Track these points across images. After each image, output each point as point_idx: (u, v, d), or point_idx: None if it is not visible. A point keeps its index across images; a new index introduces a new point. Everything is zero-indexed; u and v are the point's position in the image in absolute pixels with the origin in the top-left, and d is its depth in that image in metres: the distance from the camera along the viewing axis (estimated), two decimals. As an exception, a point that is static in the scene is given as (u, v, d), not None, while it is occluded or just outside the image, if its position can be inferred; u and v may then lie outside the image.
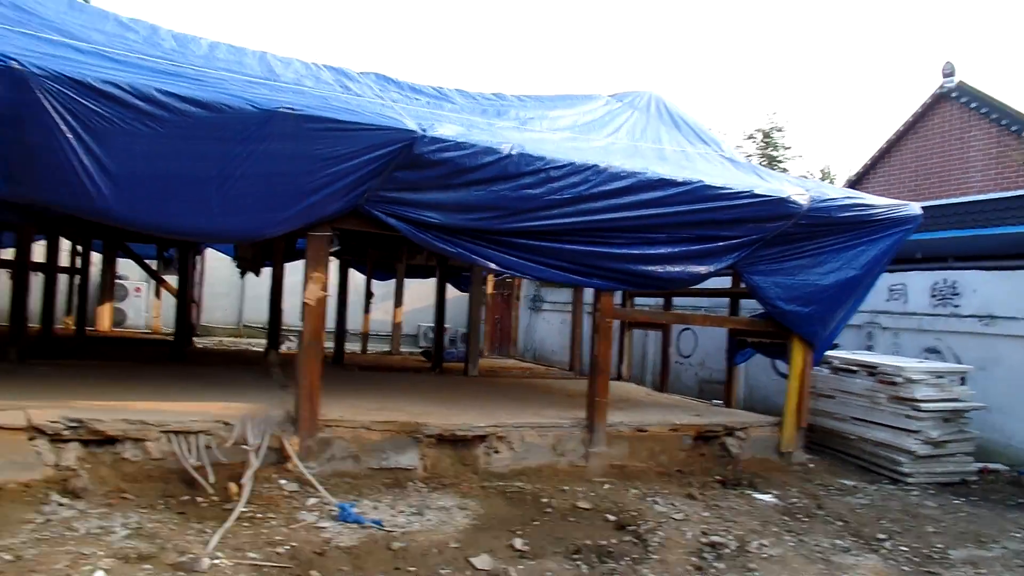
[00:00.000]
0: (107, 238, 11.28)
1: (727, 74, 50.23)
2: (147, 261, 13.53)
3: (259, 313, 18.94)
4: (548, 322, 16.67)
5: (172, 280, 14.99)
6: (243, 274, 12.13)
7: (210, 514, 4.63)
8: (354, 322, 18.05)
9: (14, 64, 3.96)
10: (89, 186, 4.30)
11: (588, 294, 12.05)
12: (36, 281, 8.98)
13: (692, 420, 7.00)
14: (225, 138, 4.49)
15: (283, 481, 5.20)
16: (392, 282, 13.38)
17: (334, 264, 12.75)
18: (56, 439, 4.83)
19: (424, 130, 4.95)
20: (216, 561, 3.87)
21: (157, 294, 14.52)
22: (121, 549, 3.93)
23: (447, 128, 5.15)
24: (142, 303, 16.00)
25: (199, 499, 4.84)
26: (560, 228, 5.71)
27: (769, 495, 6.20)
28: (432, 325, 19.31)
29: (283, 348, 9.17)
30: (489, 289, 14.61)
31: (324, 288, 5.34)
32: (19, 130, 4.11)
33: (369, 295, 12.61)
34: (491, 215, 5.44)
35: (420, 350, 16.60)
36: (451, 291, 19.83)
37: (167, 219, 4.58)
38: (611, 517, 5.33)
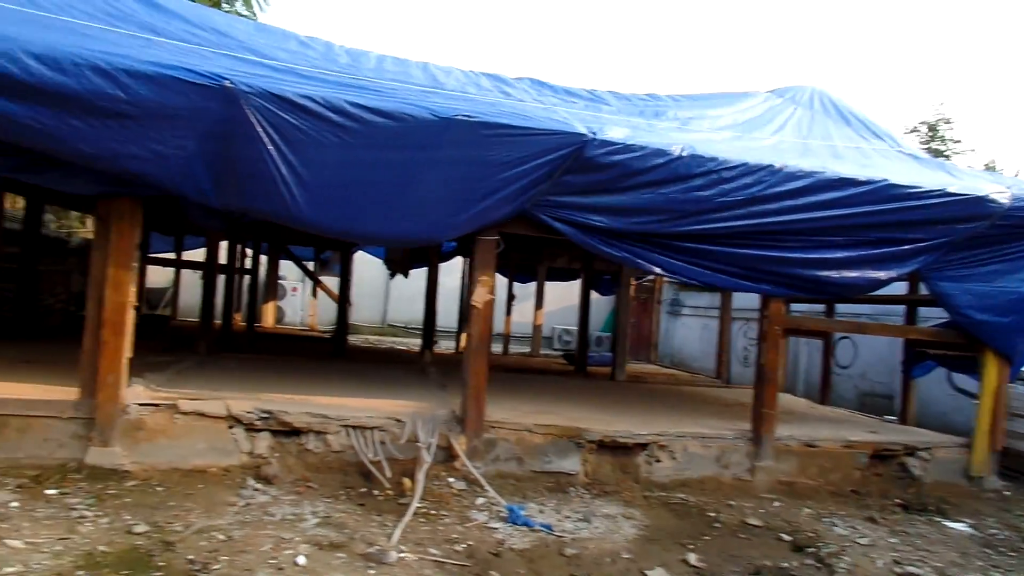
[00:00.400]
0: (272, 241, 12.15)
1: (876, 66, 46.70)
2: (305, 263, 14.51)
3: (401, 313, 19.80)
4: (688, 327, 16.18)
5: (325, 280, 16.02)
6: (392, 275, 12.65)
7: (387, 507, 4.82)
8: (494, 324, 18.35)
9: (227, 83, 4.30)
10: (286, 194, 4.60)
11: (738, 299, 11.57)
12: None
13: (868, 437, 6.50)
14: (407, 146, 4.66)
15: (451, 479, 5.33)
16: (531, 284, 13.49)
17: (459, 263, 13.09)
18: (250, 428, 5.21)
19: (594, 133, 4.91)
20: (401, 555, 4.00)
21: (314, 293, 15.48)
22: (314, 536, 4.16)
23: (616, 131, 5.08)
24: (298, 301, 17.13)
25: (375, 492, 5.06)
26: (730, 231, 5.47)
27: (962, 524, 5.63)
28: (567, 327, 19.44)
29: (437, 348, 9.42)
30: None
31: (491, 291, 5.43)
32: (228, 144, 4.46)
33: (511, 297, 12.77)
34: (658, 218, 5.31)
35: (559, 352, 16.64)
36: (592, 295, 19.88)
37: (353, 224, 4.82)
38: (785, 537, 5.04)
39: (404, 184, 4.77)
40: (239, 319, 13.88)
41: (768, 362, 6.05)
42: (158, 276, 15.19)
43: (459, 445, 5.40)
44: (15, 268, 8.65)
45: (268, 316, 14.14)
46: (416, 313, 20.46)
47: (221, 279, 9.05)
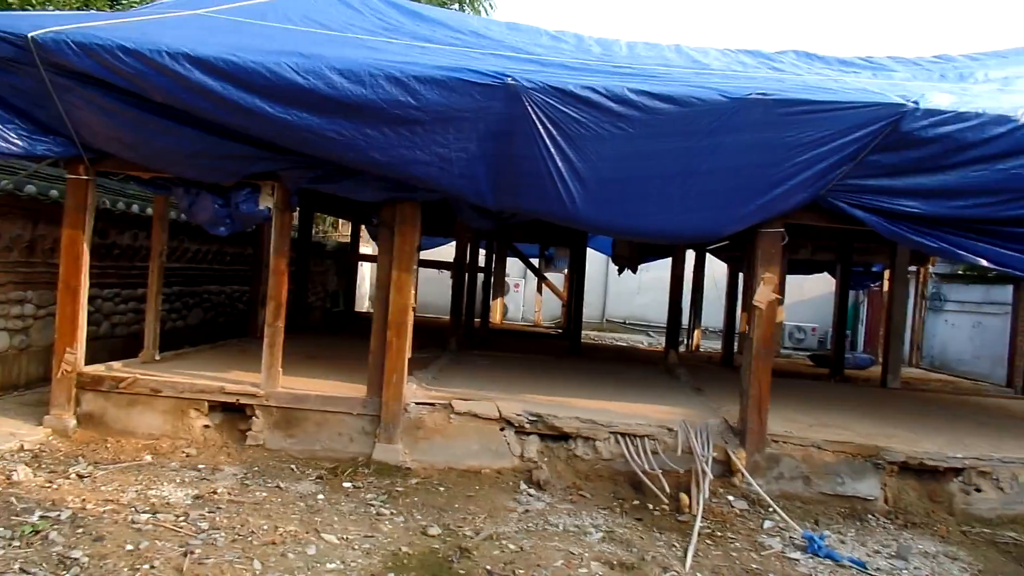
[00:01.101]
0: (502, 240, 12.41)
1: None
2: (530, 260, 14.74)
3: (620, 308, 19.51)
4: (953, 325, 14.05)
5: (549, 277, 16.18)
6: (620, 271, 12.35)
7: (666, 524, 4.48)
8: (714, 319, 17.52)
9: (509, 80, 4.21)
10: (563, 192, 4.42)
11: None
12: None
13: None
14: (691, 132, 4.27)
15: (731, 497, 4.87)
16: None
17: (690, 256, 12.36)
18: (520, 431, 5.15)
19: (915, 103, 4.15)
20: (703, 584, 3.64)
21: (539, 290, 15.69)
22: (602, 553, 3.93)
23: (939, 97, 4.27)
24: (520, 298, 17.51)
25: (650, 506, 4.74)
26: (1087, 214, 4.40)
27: None
28: (798, 324, 17.90)
29: (682, 348, 8.94)
30: (885, 287, 12.77)
31: (776, 290, 4.87)
32: (507, 143, 4.38)
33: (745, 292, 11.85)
34: (990, 200, 4.41)
35: (790, 350, 15.36)
36: (817, 288, 18.15)
37: (630, 221, 4.54)
38: None
39: (686, 175, 4.38)
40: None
41: None
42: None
43: (739, 460, 4.91)
44: (292, 271, 9.59)
45: (496, 313, 14.54)
46: (635, 309, 20.12)
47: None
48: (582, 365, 8.30)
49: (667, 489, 4.67)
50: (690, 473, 4.85)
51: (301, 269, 9.87)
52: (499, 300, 14.59)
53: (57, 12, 6.64)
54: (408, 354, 5.10)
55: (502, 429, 5.14)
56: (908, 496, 5.03)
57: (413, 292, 5.06)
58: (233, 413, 5.28)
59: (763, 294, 4.86)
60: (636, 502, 4.83)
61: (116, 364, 5.69)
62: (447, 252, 10.48)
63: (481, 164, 4.46)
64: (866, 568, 4.02)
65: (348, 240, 13.00)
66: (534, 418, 5.14)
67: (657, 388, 6.89)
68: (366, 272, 16.50)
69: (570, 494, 4.86)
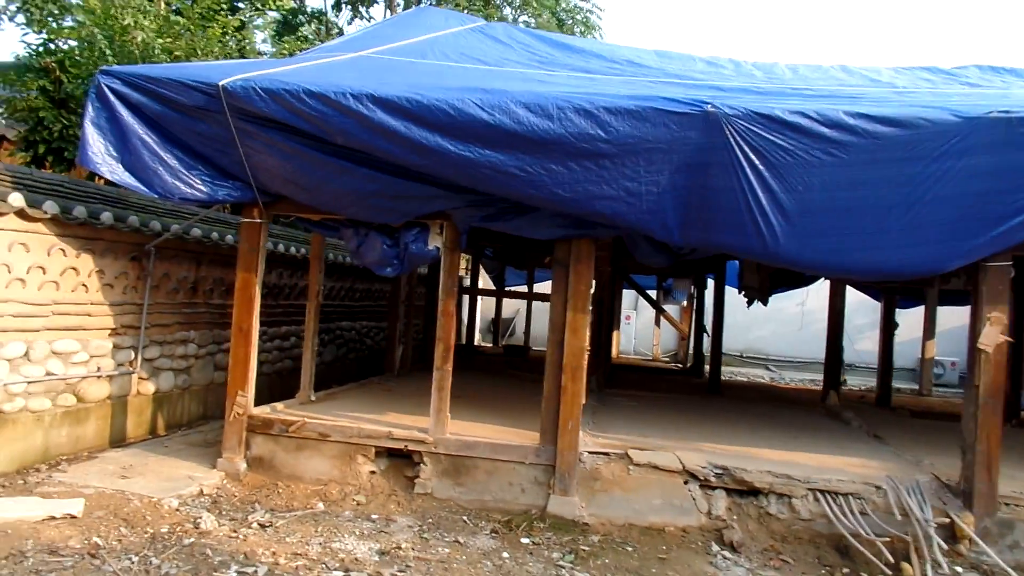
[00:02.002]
0: (618, 271, 12.05)
1: None
2: (647, 291, 14.28)
3: (735, 341, 18.63)
4: None
5: (667, 309, 15.63)
6: (749, 304, 11.70)
7: (890, 598, 3.96)
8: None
9: (708, 108, 3.91)
10: (763, 226, 4.06)
11: None
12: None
13: None
14: (915, 157, 3.83)
15: (959, 569, 4.28)
16: (915, 310, 11.52)
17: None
18: (705, 485, 4.74)
19: None
20: None
21: (657, 322, 15.17)
22: (833, 633, 3.46)
23: None
24: (632, 330, 17.00)
25: (864, 575, 4.23)
26: None
27: None
28: (935, 359, 16.51)
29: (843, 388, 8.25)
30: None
31: (1005, 331, 4.29)
32: (702, 175, 4.07)
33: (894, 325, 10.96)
34: None
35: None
36: (951, 319, 16.75)
37: (836, 257, 4.11)
38: None
39: (907, 205, 3.93)
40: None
41: None
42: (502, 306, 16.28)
43: (966, 524, 4.31)
44: (422, 306, 9.57)
45: (613, 346, 14.12)
46: (751, 342, 19.19)
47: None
48: (729, 406, 7.78)
49: (887, 556, 4.13)
50: (904, 539, 4.30)
51: (431, 305, 9.83)
52: (616, 332, 14.16)
53: (235, 61, 6.87)
54: (583, 400, 4.81)
55: (686, 483, 4.74)
56: None
57: (588, 334, 4.78)
58: (399, 459, 5.13)
59: (990, 336, 4.29)
60: (847, 570, 4.31)
61: (279, 406, 5.68)
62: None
63: (671, 198, 4.16)
64: None
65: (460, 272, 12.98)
66: (719, 471, 4.72)
67: (829, 435, 6.29)
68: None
69: (769, 558, 4.40)
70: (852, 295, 14.23)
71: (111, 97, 4.53)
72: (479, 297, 14.43)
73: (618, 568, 4.09)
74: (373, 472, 5.10)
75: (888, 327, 8.68)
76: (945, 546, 4.16)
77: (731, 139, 3.92)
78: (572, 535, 4.54)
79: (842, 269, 4.49)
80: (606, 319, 8.22)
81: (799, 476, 4.64)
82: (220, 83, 4.34)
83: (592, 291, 4.80)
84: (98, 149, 4.55)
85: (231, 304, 6.68)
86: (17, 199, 4.54)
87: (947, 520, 4.38)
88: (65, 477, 4.71)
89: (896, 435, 6.34)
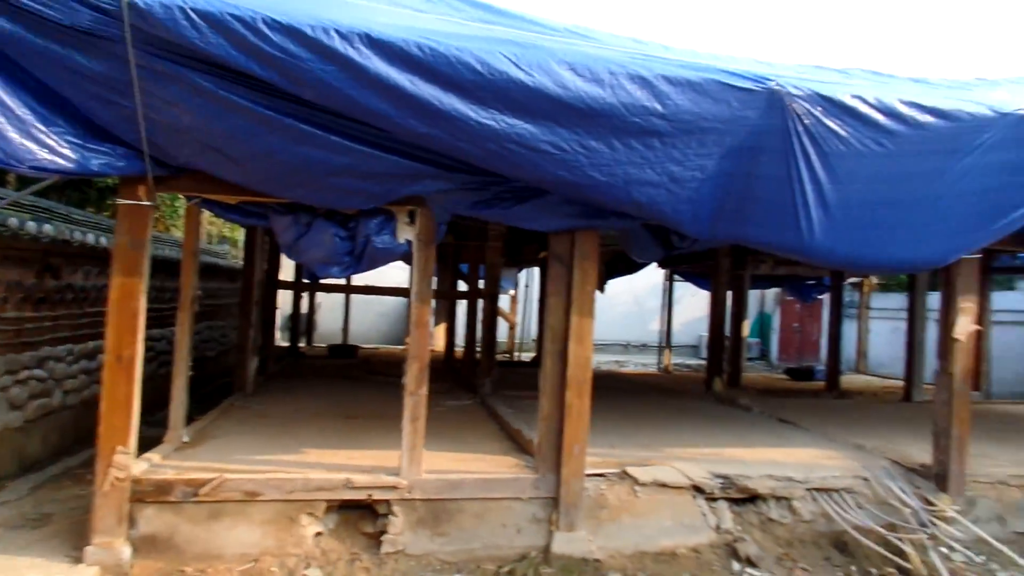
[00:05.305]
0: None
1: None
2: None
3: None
4: (873, 332, 15.08)
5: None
6: (602, 291, 11.81)
7: (911, 592, 3.96)
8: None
9: (773, 85, 3.47)
10: (802, 220, 3.75)
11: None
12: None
13: None
14: (951, 151, 3.79)
15: (944, 550, 4.43)
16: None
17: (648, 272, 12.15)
18: (709, 498, 4.38)
19: None
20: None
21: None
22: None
23: None
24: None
25: (873, 571, 4.20)
26: None
27: None
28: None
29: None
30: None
31: (975, 320, 4.52)
32: (750, 162, 3.63)
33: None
34: None
35: (784, 368, 15.33)
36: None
37: (870, 251, 3.95)
38: None
39: (934, 199, 3.89)
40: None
41: None
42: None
43: (946, 505, 4.50)
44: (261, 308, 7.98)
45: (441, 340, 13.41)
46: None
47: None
48: (626, 400, 7.58)
49: (906, 550, 4.13)
50: (904, 526, 4.37)
51: (268, 304, 8.29)
52: (443, 325, 13.47)
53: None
54: (588, 419, 4.14)
55: (694, 498, 4.34)
56: (1081, 523, 4.90)
57: (592, 341, 4.12)
58: (353, 512, 4.01)
59: (963, 326, 4.49)
60: (854, 568, 4.25)
61: (155, 457, 4.15)
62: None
63: (712, 186, 3.66)
64: None
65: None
66: (723, 480, 4.40)
67: (752, 425, 6.34)
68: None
69: (790, 569, 4.17)
70: (644, 279, 15.26)
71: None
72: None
73: (668, 612, 3.55)
74: (319, 534, 3.92)
75: (739, 313, 9.19)
76: (930, 528, 4.27)
77: (791, 123, 3.53)
78: (587, 575, 3.90)
79: (869, 264, 4.39)
80: (492, 312, 7.53)
81: (799, 477, 4.50)
82: (124, -4, 2.87)
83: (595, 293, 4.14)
84: None
85: (29, 317, 4.91)
86: None
87: (928, 504, 4.54)
88: None
89: (797, 417, 6.59)
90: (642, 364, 15.09)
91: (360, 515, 4.03)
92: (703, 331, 18.12)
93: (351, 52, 3.07)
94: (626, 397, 7.83)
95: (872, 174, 3.75)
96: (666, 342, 12.01)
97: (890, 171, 3.76)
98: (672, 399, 7.76)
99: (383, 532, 3.94)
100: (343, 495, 3.88)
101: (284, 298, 14.52)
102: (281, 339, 15.74)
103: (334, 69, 3.08)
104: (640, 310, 18.55)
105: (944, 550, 4.41)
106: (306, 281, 10.65)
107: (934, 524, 4.43)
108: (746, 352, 14.45)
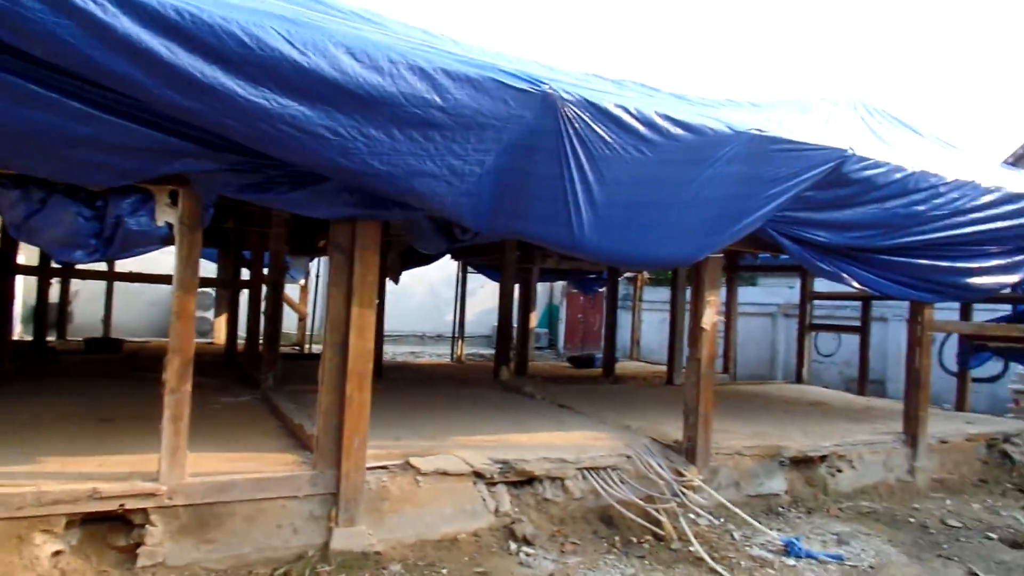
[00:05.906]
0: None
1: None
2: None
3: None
4: (645, 322, 16.57)
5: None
6: (396, 282, 11.68)
7: (667, 556, 4.43)
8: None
9: (547, 88, 3.65)
10: (573, 218, 4.01)
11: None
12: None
13: (982, 429, 6.99)
14: (698, 161, 4.25)
15: (691, 516, 4.98)
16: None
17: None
18: (489, 483, 4.53)
19: (852, 149, 4.78)
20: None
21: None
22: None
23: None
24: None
25: (634, 539, 4.62)
26: (918, 244, 5.58)
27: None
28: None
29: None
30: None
31: (718, 312, 5.13)
32: (527, 160, 3.79)
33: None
34: (873, 233, 5.29)
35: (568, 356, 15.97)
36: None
37: (630, 248, 4.30)
38: (992, 535, 5.29)
39: (686, 204, 4.34)
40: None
41: (922, 368, 6.29)
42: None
43: (693, 476, 5.07)
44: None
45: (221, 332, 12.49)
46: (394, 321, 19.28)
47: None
48: (415, 391, 7.64)
49: (662, 520, 4.59)
50: (650, 499, 4.85)
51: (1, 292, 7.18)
52: (224, 316, 12.56)
53: None
54: (369, 411, 4.08)
55: (475, 484, 4.45)
56: (797, 485, 5.78)
57: (374, 333, 4.06)
58: (100, 525, 3.59)
59: (709, 317, 5.08)
60: (617, 538, 4.63)
61: None
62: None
63: (491, 181, 3.78)
64: (844, 560, 4.51)
65: None
66: (502, 465, 4.57)
67: (536, 410, 6.66)
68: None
69: (561, 544, 4.45)
70: (440, 270, 15.50)
71: None
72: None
73: (452, 600, 3.62)
74: (59, 552, 3.47)
75: (526, 304, 9.63)
76: (680, 498, 4.80)
77: (562, 125, 3.74)
78: (367, 570, 3.85)
79: (630, 259, 4.76)
80: (276, 302, 7.17)
81: (571, 458, 4.80)
82: None
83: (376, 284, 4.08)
84: None
85: None
86: None
87: (679, 475, 5.08)
88: None
89: (576, 403, 7.04)
90: (437, 355, 15.28)
91: (110, 528, 3.62)
92: (496, 322, 18.82)
93: (93, 7, 2.73)
94: (417, 388, 7.87)
95: (634, 178, 4.09)
96: (460, 332, 12.23)
97: (649, 176, 4.14)
98: (462, 388, 7.93)
99: (139, 544, 3.58)
100: (88, 507, 3.46)
101: (28, 285, 12.68)
102: (24, 333, 13.75)
103: (71, 25, 2.72)
104: (436, 301, 18.76)
105: (692, 516, 4.97)
106: (56, 266, 9.36)
107: (684, 493, 4.97)
108: (535, 341, 15.33)
